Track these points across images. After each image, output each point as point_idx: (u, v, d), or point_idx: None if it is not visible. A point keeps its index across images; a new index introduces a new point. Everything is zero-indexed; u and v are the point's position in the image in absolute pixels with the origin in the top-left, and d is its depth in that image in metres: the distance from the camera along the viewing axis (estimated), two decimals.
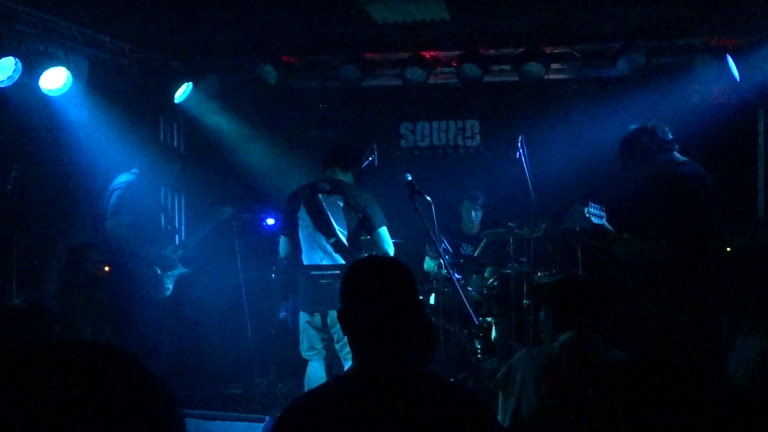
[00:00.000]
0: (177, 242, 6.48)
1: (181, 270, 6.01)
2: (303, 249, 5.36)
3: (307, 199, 5.37)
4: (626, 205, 5.34)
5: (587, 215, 5.08)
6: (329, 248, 5.30)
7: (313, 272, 5.30)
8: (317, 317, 5.32)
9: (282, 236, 5.53)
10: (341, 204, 5.31)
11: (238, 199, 7.10)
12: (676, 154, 4.96)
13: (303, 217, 5.36)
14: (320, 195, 5.36)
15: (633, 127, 5.03)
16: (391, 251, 5.33)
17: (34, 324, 3.42)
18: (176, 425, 0.93)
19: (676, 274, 4.85)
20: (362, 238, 5.44)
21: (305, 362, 5.48)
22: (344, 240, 5.27)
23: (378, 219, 5.30)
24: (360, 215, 5.29)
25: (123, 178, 5.75)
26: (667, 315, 4.90)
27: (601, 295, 3.27)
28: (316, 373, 5.36)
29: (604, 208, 5.13)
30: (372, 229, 5.30)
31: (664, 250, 4.89)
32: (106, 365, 0.91)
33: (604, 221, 5.12)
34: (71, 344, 0.93)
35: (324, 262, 5.29)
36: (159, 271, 5.86)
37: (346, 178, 5.46)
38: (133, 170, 5.82)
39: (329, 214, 5.30)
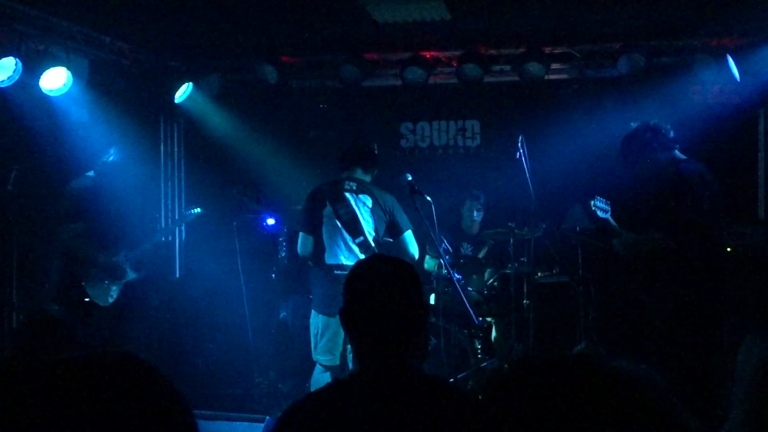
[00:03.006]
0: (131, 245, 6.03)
1: (130, 277, 5.81)
2: (326, 248, 5.17)
3: (334, 197, 5.20)
4: (627, 204, 5.34)
5: (593, 208, 5.08)
6: (355, 248, 5.13)
7: (336, 272, 5.08)
8: (338, 318, 5.15)
9: (302, 233, 5.28)
10: (370, 204, 5.19)
11: (238, 200, 7.10)
12: (677, 153, 4.98)
13: (328, 215, 5.19)
14: (348, 194, 5.21)
15: (634, 125, 5.05)
16: (417, 255, 5.25)
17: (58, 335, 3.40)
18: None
19: (675, 272, 4.85)
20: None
21: (305, 362, 5.42)
22: (371, 241, 5.15)
23: (404, 222, 5.20)
24: (387, 217, 5.19)
25: (79, 183, 5.62)
26: (668, 314, 4.90)
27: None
28: (324, 381, 5.19)
29: (609, 203, 5.13)
30: (399, 233, 5.18)
31: (658, 240, 4.91)
32: (125, 376, 0.92)
33: (608, 215, 5.12)
34: (89, 357, 0.94)
35: (348, 262, 5.06)
36: (106, 281, 5.66)
37: (367, 179, 5.34)
38: (89, 173, 5.70)
39: (358, 213, 5.17)
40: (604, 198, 5.10)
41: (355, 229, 5.14)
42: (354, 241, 5.13)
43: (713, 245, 4.86)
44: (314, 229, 5.22)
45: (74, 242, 5.49)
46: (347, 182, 5.26)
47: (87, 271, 5.57)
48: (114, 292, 5.70)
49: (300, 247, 5.29)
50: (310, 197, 5.33)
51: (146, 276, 6.05)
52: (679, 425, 0.94)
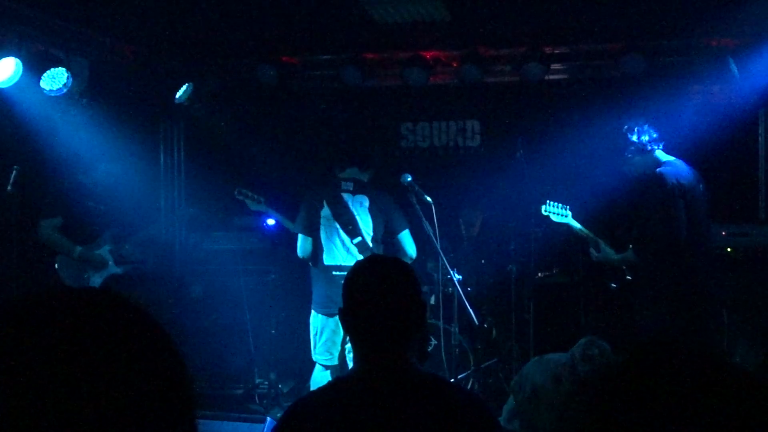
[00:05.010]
0: (117, 240, 6.10)
1: (112, 270, 5.90)
2: (324, 248, 5.21)
3: (331, 198, 5.24)
4: (613, 206, 5.31)
5: (545, 213, 5.07)
6: (353, 249, 5.17)
7: (334, 272, 5.14)
8: (336, 318, 5.22)
9: (301, 235, 5.31)
10: (367, 204, 5.21)
11: (239, 201, 7.09)
12: (658, 154, 4.81)
13: (326, 216, 5.22)
14: (345, 194, 5.23)
15: (611, 128, 4.97)
16: (414, 254, 5.27)
17: None
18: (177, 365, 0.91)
19: (654, 280, 4.76)
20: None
21: (306, 362, 5.44)
22: (369, 241, 5.18)
23: (401, 221, 5.22)
24: (384, 217, 5.21)
25: (60, 183, 5.81)
26: (653, 317, 4.82)
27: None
28: (324, 381, 5.25)
29: (567, 207, 5.11)
30: (396, 232, 5.20)
31: (631, 260, 4.85)
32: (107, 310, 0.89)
33: (567, 219, 5.09)
34: (69, 292, 0.91)
35: (346, 263, 5.11)
36: (84, 272, 5.78)
37: (364, 178, 5.36)
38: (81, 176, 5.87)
39: (355, 214, 5.19)
40: (558, 204, 5.09)
41: (352, 229, 5.16)
42: (352, 242, 5.16)
43: (689, 256, 4.66)
44: (312, 230, 5.25)
45: (52, 235, 5.67)
46: (344, 182, 5.27)
47: (64, 262, 5.71)
48: (94, 284, 5.74)
49: (299, 249, 5.31)
50: (308, 198, 5.35)
51: (135, 274, 6.11)
52: None
